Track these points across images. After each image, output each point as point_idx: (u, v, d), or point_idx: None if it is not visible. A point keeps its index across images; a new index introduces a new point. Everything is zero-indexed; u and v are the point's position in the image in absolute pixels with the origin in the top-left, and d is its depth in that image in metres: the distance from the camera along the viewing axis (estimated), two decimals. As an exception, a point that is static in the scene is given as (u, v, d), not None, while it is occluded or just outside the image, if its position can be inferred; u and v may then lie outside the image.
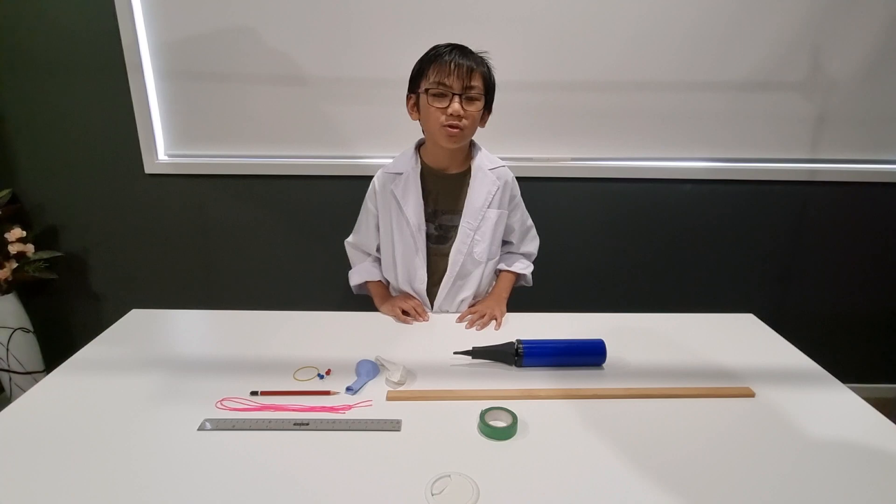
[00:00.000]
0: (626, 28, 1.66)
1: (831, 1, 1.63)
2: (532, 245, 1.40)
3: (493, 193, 1.24)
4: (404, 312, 1.20)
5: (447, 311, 1.29)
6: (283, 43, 1.68)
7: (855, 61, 1.69)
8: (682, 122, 1.77)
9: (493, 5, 1.64)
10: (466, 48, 1.14)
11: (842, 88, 1.72)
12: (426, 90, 1.13)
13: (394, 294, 1.34)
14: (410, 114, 1.21)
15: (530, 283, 1.41)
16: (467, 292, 1.29)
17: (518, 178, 1.36)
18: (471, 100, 1.12)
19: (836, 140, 1.79)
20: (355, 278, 1.36)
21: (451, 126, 1.12)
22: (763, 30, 1.66)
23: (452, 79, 1.10)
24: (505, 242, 1.38)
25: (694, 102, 1.74)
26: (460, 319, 1.21)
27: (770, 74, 1.71)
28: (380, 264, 1.36)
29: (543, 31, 1.67)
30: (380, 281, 1.35)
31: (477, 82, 1.12)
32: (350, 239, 1.38)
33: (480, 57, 1.15)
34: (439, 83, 1.11)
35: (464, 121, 1.12)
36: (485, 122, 1.22)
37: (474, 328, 1.17)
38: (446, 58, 1.10)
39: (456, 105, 1.10)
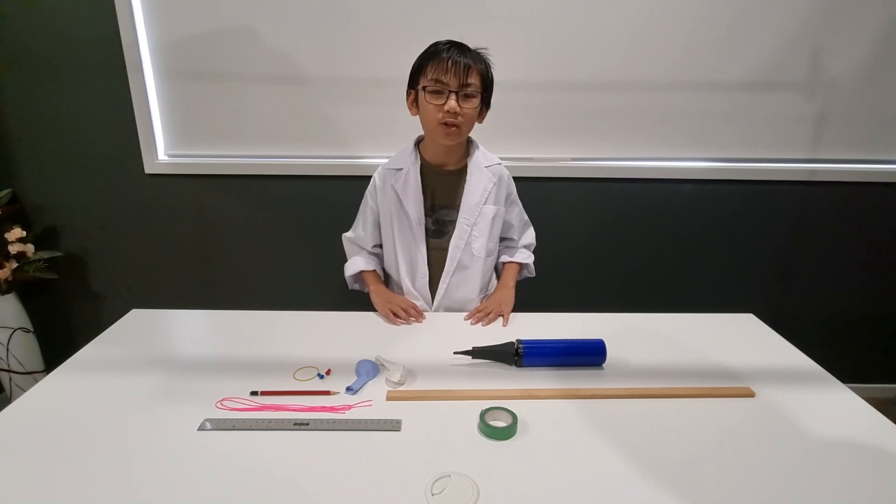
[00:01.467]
0: (626, 28, 1.66)
1: (831, 1, 1.63)
2: (530, 236, 1.42)
3: (489, 190, 1.27)
4: (396, 314, 1.19)
5: (448, 310, 1.29)
6: (283, 43, 1.68)
7: (855, 61, 1.69)
8: (682, 122, 1.77)
9: (494, 5, 1.64)
10: (465, 45, 1.16)
11: (842, 88, 1.72)
12: (424, 87, 1.15)
13: (395, 289, 1.35)
14: (410, 109, 1.23)
15: (533, 273, 1.42)
16: (467, 291, 1.30)
17: (518, 178, 1.37)
18: (467, 97, 1.14)
19: (836, 140, 1.79)
20: (350, 269, 1.36)
21: (447, 124, 1.14)
22: (763, 30, 1.66)
23: (449, 76, 1.11)
24: (505, 239, 1.39)
25: (694, 102, 1.74)
26: (468, 318, 1.21)
27: (770, 74, 1.70)
28: (375, 259, 1.38)
29: (543, 31, 1.67)
30: (374, 271, 1.36)
31: (474, 79, 1.13)
32: (348, 234, 1.40)
33: (478, 54, 1.16)
34: (436, 80, 1.12)
35: (460, 118, 1.14)
36: (482, 119, 1.23)
37: (480, 325, 1.18)
38: (444, 55, 1.12)
39: (452, 102, 1.12)
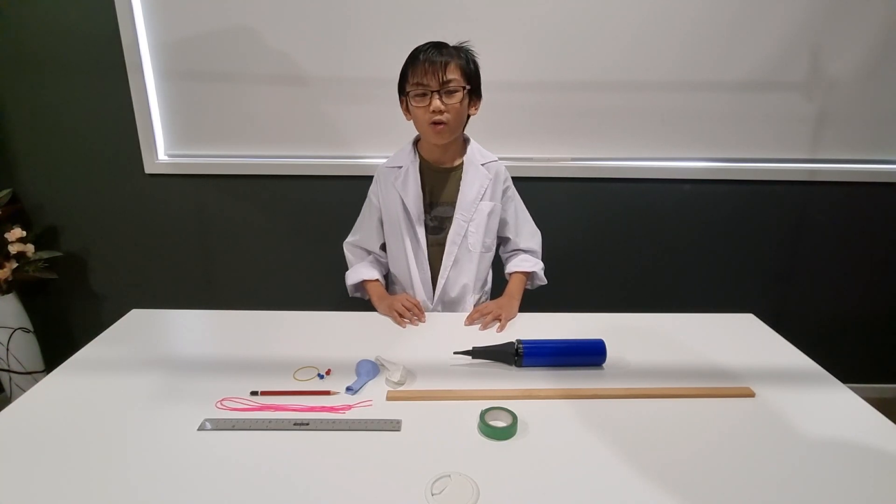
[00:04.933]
0: (626, 28, 1.66)
1: (831, 1, 1.63)
2: (532, 241, 1.40)
3: (485, 186, 1.29)
4: (401, 314, 1.20)
5: (447, 305, 1.31)
6: (283, 43, 1.68)
7: (855, 61, 1.69)
8: (682, 122, 1.77)
9: (493, 5, 1.64)
10: (442, 43, 1.19)
11: (842, 88, 1.72)
12: (408, 93, 1.19)
13: (396, 287, 1.37)
14: (405, 115, 1.26)
15: (545, 282, 1.40)
16: (464, 286, 1.32)
17: (518, 178, 1.37)
18: (450, 93, 1.16)
19: (836, 140, 1.78)
20: (352, 277, 1.36)
21: (435, 123, 1.17)
22: (763, 30, 1.66)
23: (428, 77, 1.14)
24: (504, 239, 1.39)
25: (694, 102, 1.74)
26: (467, 322, 1.21)
27: (770, 74, 1.70)
28: (378, 264, 1.39)
29: (543, 31, 1.67)
30: (377, 280, 1.36)
31: (453, 75, 1.16)
32: (349, 239, 1.40)
33: (456, 48, 1.19)
34: (418, 84, 1.16)
35: (446, 115, 1.16)
36: (476, 110, 1.26)
37: (477, 326, 1.18)
38: (420, 57, 1.15)
39: (436, 102, 1.15)
